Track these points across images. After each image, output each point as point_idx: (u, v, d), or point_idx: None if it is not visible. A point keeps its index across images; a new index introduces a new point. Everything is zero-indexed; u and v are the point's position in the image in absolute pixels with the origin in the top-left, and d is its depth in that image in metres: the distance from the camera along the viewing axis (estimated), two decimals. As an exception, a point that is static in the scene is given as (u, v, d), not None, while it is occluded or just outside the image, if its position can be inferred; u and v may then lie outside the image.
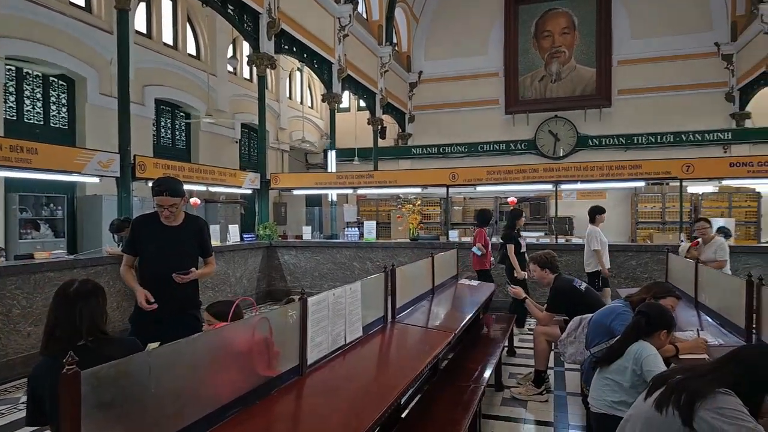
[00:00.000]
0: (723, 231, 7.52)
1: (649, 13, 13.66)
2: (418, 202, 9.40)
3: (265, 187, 9.75)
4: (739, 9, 12.69)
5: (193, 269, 3.51)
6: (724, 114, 12.90)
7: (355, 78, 12.46)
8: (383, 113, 14.04)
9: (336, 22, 11.75)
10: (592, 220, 6.58)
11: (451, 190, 9.34)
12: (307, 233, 9.64)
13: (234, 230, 8.59)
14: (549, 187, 9.01)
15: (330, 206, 11.95)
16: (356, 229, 9.56)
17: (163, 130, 10.71)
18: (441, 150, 14.81)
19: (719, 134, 12.54)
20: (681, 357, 2.89)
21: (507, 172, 8.71)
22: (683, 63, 13.17)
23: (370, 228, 9.09)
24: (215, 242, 7.98)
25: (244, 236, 8.86)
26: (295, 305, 2.57)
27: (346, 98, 15.48)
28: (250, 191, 9.75)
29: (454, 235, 9.04)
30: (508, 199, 11.75)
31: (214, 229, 8.08)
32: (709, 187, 10.21)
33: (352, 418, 2.10)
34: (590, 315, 3.53)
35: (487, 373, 3.86)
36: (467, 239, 9.28)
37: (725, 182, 9.00)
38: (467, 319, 4.08)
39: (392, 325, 3.77)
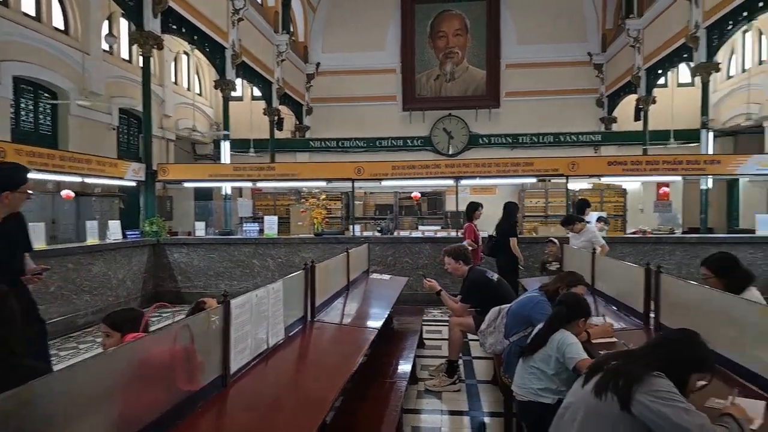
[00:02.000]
0: (603, 219, 8.35)
1: (532, 22, 14.75)
2: (323, 197, 9.19)
3: (151, 178, 8.87)
4: (609, 23, 14.22)
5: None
6: (595, 118, 14.40)
7: (250, 65, 11.84)
8: (280, 104, 13.54)
9: (230, 5, 11.05)
10: (582, 213, 6.94)
11: (354, 184, 9.25)
12: (200, 229, 8.95)
13: (115, 226, 7.69)
14: (448, 182, 9.30)
15: (223, 200, 11.25)
16: (256, 224, 9.08)
17: (23, 113, 9.26)
18: (340, 144, 14.68)
19: (591, 136, 13.97)
20: (593, 341, 3.06)
21: (411, 167, 8.84)
22: (562, 70, 14.44)
23: (271, 223, 8.69)
24: (92, 239, 7.09)
25: (127, 233, 7.98)
26: (217, 310, 2.29)
27: (240, 86, 14.70)
28: (133, 183, 8.80)
29: (357, 230, 8.98)
30: (412, 194, 12.01)
31: (91, 225, 7.19)
32: (584, 184, 11.30)
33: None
34: (508, 305, 3.63)
35: (406, 368, 3.82)
36: (368, 233, 9.28)
37: (597, 180, 9.99)
38: (385, 314, 4.01)
39: (312, 325, 3.57)
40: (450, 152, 14.50)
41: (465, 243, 6.89)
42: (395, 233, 9.18)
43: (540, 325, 2.90)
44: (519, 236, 7.02)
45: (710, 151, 9.66)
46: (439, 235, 9.05)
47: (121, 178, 8.35)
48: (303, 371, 2.82)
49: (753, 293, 2.85)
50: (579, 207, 6.94)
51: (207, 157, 14.55)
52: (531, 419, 2.76)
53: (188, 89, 13.85)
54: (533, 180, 9.17)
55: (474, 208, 7.08)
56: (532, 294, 3.49)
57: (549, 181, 10.81)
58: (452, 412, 3.95)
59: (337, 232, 9.19)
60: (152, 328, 2.37)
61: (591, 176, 9.02)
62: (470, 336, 4.68)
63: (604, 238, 7.68)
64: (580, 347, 2.68)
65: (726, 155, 9.57)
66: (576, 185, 11.18)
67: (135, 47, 10.49)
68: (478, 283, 4.40)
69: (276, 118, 13.27)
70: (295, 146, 14.97)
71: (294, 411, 2.10)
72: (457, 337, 4.42)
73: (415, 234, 9.12)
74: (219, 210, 12.02)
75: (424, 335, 5.91)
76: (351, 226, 9.09)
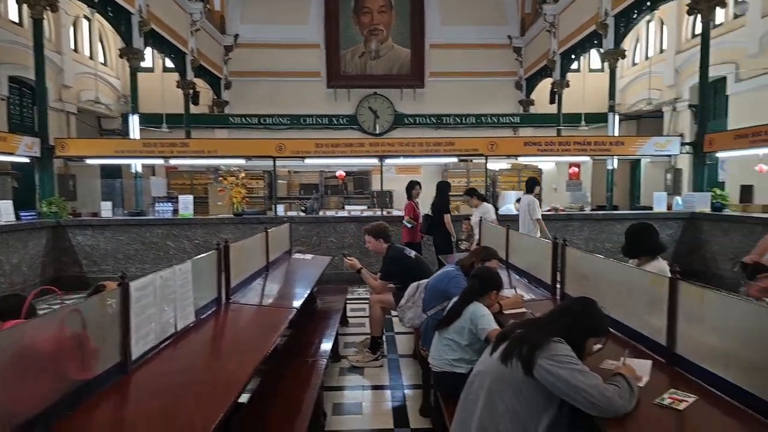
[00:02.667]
0: (520, 200, 8.75)
1: (456, 3, 14.87)
2: (242, 175, 8.83)
3: (48, 154, 8.09)
4: (528, 7, 14.67)
5: None
6: (515, 100, 14.92)
7: (160, 34, 11.01)
8: (195, 76, 12.76)
9: (136, -34, 10.17)
10: (530, 191, 7.00)
11: (277, 162, 8.98)
12: (106, 210, 8.32)
13: (6, 207, 6.96)
14: (373, 161, 9.29)
15: (134, 179, 10.52)
16: (169, 204, 8.59)
17: None
18: (262, 120, 14.15)
19: (510, 118, 14.48)
20: (504, 312, 3.18)
21: (335, 145, 8.71)
22: (483, 52, 14.75)
23: (186, 203, 8.25)
24: (-21, 222, 6.38)
25: (22, 214, 7.25)
26: (113, 293, 2.12)
27: (150, 57, 13.69)
28: (27, 159, 7.98)
29: (280, 210, 8.76)
30: (337, 173, 11.88)
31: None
32: (503, 164, 11.74)
33: (196, 416, 1.80)
34: (426, 280, 3.70)
35: (328, 346, 3.80)
36: (292, 213, 9.10)
37: (514, 160, 10.42)
38: (305, 293, 3.94)
39: (227, 307, 3.44)
40: (377, 131, 14.47)
41: (404, 221, 6.98)
42: (320, 213, 9.07)
43: (455, 299, 2.98)
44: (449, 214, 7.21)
45: (616, 133, 10.34)
46: (365, 214, 9.04)
47: (11, 154, 7.52)
48: (215, 354, 2.71)
49: (660, 263, 3.09)
50: (528, 185, 7.20)
51: (114, 132, 13.51)
52: (446, 389, 2.83)
53: (91, 58, 12.70)
54: (455, 160, 9.37)
55: (412, 186, 7.21)
56: (449, 269, 3.57)
57: (470, 161, 11.11)
58: (374, 387, 4.00)
59: (258, 212, 8.91)
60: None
61: (509, 156, 9.37)
62: (393, 312, 4.74)
63: (515, 214, 8.09)
64: (491, 318, 2.77)
65: (629, 137, 10.29)
66: (495, 165, 11.59)
67: (25, 8, 9.40)
68: (396, 260, 4.44)
69: (191, 91, 12.50)
70: (213, 122, 14.25)
71: (203, 395, 2.00)
72: (378, 314, 4.45)
73: (340, 213, 9.07)
74: (129, 189, 11.24)
75: (348, 313, 5.93)
76: (274, 206, 8.84)
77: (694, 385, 2.00)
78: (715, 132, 8.94)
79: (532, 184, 7.08)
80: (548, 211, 9.29)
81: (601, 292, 2.54)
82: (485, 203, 6.94)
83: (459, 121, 14.35)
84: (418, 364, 4.13)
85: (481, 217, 6.75)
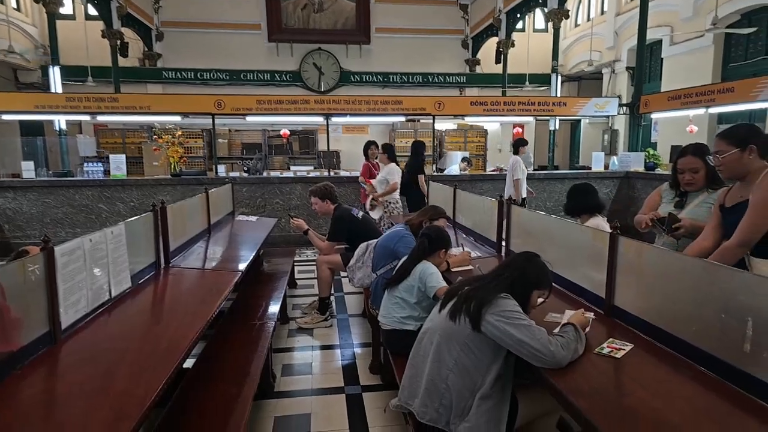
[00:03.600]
0: (466, 160, 8.86)
1: (402, -45, 14.41)
2: (179, 133, 8.35)
3: (-43, 109, 7.31)
4: (474, -37, 14.45)
5: None
6: (461, 59, 14.84)
7: (82, -24, 10.04)
8: (122, 26, 11.77)
9: None
10: (516, 152, 7.13)
11: (216, 120, 8.55)
12: (28, 170, 7.69)
13: None
14: (319, 119, 9.04)
15: (58, 137, 9.73)
16: (99, 164, 8.04)
17: None
18: (199, 75, 13.36)
19: (457, 77, 14.43)
20: (452, 270, 3.22)
21: (278, 102, 8.37)
22: (430, 8, 14.42)
23: (118, 162, 7.75)
24: None
25: (-71, 176, 6.58)
26: (35, 258, 1.94)
27: (70, 2, 12.49)
28: (-69, 114, 7.18)
29: (221, 170, 8.42)
30: (281, 132, 11.49)
31: None
32: (450, 124, 11.77)
33: (134, 385, 1.71)
34: (375, 240, 3.67)
35: (275, 308, 3.74)
36: (235, 174, 8.77)
37: (463, 120, 10.45)
38: (251, 256, 3.83)
39: (167, 271, 3.28)
40: (322, 89, 14.05)
41: (360, 181, 6.86)
42: (264, 173, 8.79)
43: (404, 258, 2.97)
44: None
45: (558, 94, 10.56)
46: (311, 175, 8.86)
47: None
48: (155, 320, 2.58)
49: (598, 220, 3.19)
50: (515, 145, 7.33)
51: (33, 86, 12.38)
52: (395, 346, 2.86)
53: (1, 2, 11.42)
54: (403, 119, 9.28)
55: (369, 147, 7.08)
56: (398, 228, 3.56)
57: (418, 120, 11.05)
58: (324, 347, 4.00)
59: (198, 172, 8.52)
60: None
61: (456, 116, 9.38)
62: (342, 273, 4.72)
63: (462, 174, 8.19)
64: (439, 276, 2.80)
65: (571, 98, 10.54)
66: (443, 125, 11.60)
67: None
68: (344, 220, 4.38)
69: (118, 42, 11.54)
70: (145, 76, 13.31)
71: (141, 362, 1.90)
72: (325, 275, 4.41)
73: (286, 174, 8.83)
74: (53, 148, 10.41)
75: (296, 275, 5.86)
76: (214, 166, 8.48)
77: (630, 334, 2.10)
78: (650, 94, 9.30)
79: (519, 144, 7.23)
80: (493, 171, 9.47)
81: (545, 248, 2.59)
82: (393, 164, 6.57)
83: (406, 79, 14.16)
84: (367, 323, 4.16)
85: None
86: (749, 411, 1.50)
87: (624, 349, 1.94)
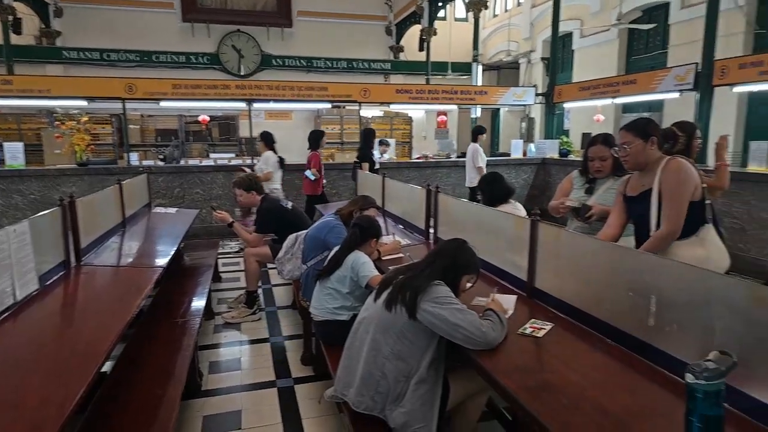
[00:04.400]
0: (385, 143, 8.80)
1: (323, -62, 14.10)
2: (85, 119, 7.70)
3: None
4: (397, -51, 14.45)
5: None
6: (386, 46, 14.85)
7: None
8: (15, 0, 10.63)
9: None
10: (474, 139, 7.17)
11: (127, 105, 7.98)
12: None
13: None
14: (240, 105, 8.71)
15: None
16: (-8, 152, 7.27)
17: None
18: (106, 56, 12.34)
19: (382, 64, 14.44)
20: (383, 259, 3.25)
21: (195, 86, 7.95)
22: (354, -7, 14.34)
23: (14, 151, 7.04)
24: None
25: None
26: None
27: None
28: None
29: (134, 159, 7.90)
30: (199, 117, 10.94)
31: None
32: (376, 111, 11.79)
33: (50, 394, 1.58)
34: (305, 232, 3.62)
35: (200, 304, 3.59)
36: (149, 162, 8.27)
37: (387, 108, 10.51)
38: (171, 250, 3.64)
39: (78, 270, 3.04)
40: (242, 73, 13.52)
41: (308, 172, 6.63)
42: (182, 161, 8.36)
43: (336, 248, 2.96)
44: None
45: (479, 83, 10.89)
46: (233, 162, 8.54)
47: None
48: (68, 323, 2.39)
49: (515, 205, 3.34)
50: (474, 133, 7.41)
51: None
52: (328, 337, 2.85)
53: None
54: (328, 106, 9.17)
55: (319, 136, 6.86)
56: (328, 219, 3.53)
57: (344, 107, 10.96)
58: (252, 341, 3.91)
59: (108, 161, 7.94)
60: None
61: (382, 104, 9.41)
62: (270, 265, 4.61)
63: (388, 161, 8.25)
64: (371, 265, 2.81)
65: (491, 87, 10.91)
66: (369, 112, 11.60)
67: None
68: (272, 211, 4.28)
69: (10, 18, 10.39)
70: (43, 56, 12.10)
71: (57, 369, 1.76)
72: (253, 268, 4.30)
73: (206, 162, 8.45)
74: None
75: (221, 268, 5.66)
76: (126, 155, 7.93)
77: (551, 314, 2.23)
78: (563, 84, 9.85)
79: (477, 132, 7.31)
80: (418, 158, 9.63)
81: (471, 235, 2.69)
82: (269, 152, 6.27)
83: (330, 65, 13.96)
84: (297, 314, 4.11)
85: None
86: (654, 379, 1.65)
87: (545, 329, 2.06)
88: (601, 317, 1.99)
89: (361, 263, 2.78)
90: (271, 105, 9.18)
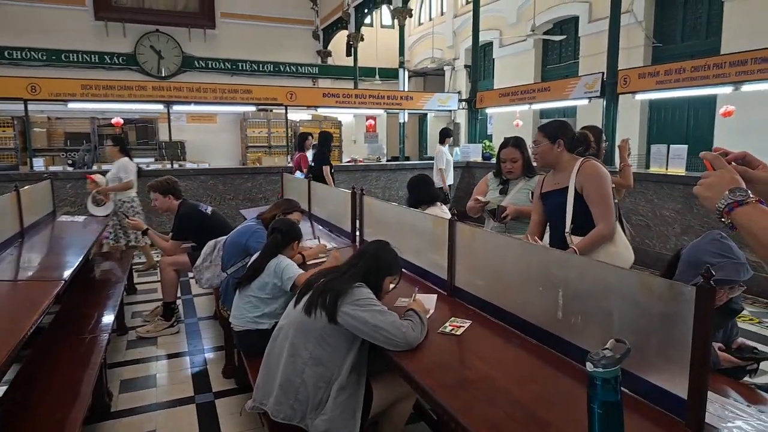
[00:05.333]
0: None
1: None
2: (-21, 121, 7.01)
3: None
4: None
5: None
6: (313, 50, 14.72)
7: None
8: None
9: None
10: (441, 141, 7.31)
11: (31, 107, 7.34)
12: None
13: None
14: (159, 107, 8.28)
15: None
16: None
17: None
18: (7, 54, 11.30)
19: (309, 68, 14.29)
20: (308, 263, 3.19)
21: (108, 87, 7.47)
22: (279, -4, 14.11)
23: None
24: None
25: None
26: None
27: None
28: None
29: (39, 164, 7.28)
30: (113, 120, 10.27)
31: None
32: (304, 115, 11.65)
33: None
34: (224, 237, 3.48)
35: (109, 318, 3.35)
36: (57, 168, 7.66)
37: (317, 111, 10.43)
38: (77, 261, 3.36)
39: (-37, 286, 2.72)
40: (162, 74, 12.88)
41: (298, 174, 6.60)
42: (94, 166, 7.82)
43: (256, 254, 2.86)
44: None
45: (406, 88, 11.09)
46: (151, 167, 8.10)
47: None
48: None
49: (441, 208, 3.39)
50: (440, 136, 7.51)
51: None
52: (249, 347, 2.75)
53: None
54: (254, 109, 8.95)
55: (305, 138, 6.91)
56: (249, 223, 3.41)
57: (271, 110, 10.75)
58: (170, 356, 3.71)
59: (7, 166, 7.27)
60: None
61: (309, 107, 9.31)
62: (190, 274, 4.39)
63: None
64: (295, 267, 2.75)
65: (417, 93, 11.14)
66: (297, 116, 11.44)
67: None
68: (190, 217, 4.08)
69: None
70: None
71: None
72: (170, 278, 4.07)
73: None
74: None
75: (136, 280, 5.33)
76: (29, 159, 7.29)
77: (469, 311, 2.28)
78: (485, 91, 10.23)
79: (443, 134, 7.40)
80: (348, 162, 9.63)
81: (395, 236, 2.70)
82: (125, 158, 5.70)
83: (256, 68, 13.63)
84: (218, 325, 3.94)
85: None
86: (564, 370, 1.72)
87: (464, 326, 2.10)
88: (515, 312, 2.05)
89: (284, 266, 2.71)
90: (193, 108, 8.82)
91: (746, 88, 5.47)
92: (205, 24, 13.46)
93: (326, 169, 6.77)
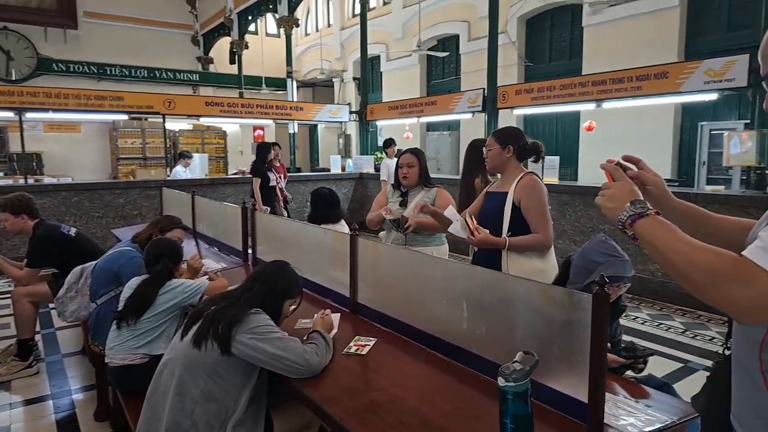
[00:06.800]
0: (185, 155, 8.09)
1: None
2: None
3: None
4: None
5: None
6: (193, 56, 13.90)
7: None
8: None
9: None
10: (386, 153, 7.19)
11: None
12: None
13: None
14: (9, 115, 7.22)
15: None
16: None
17: None
18: None
19: (189, 75, 13.44)
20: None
21: (-62, 89, 6.33)
22: (154, -3, 13.12)
23: None
24: None
25: None
26: None
27: None
28: None
29: None
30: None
31: None
32: (185, 124, 10.91)
33: None
34: (93, 263, 3.06)
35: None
36: None
37: (199, 120, 9.83)
38: None
39: None
40: (13, 77, 11.31)
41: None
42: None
43: (137, 284, 2.53)
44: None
45: (295, 98, 10.88)
46: (2, 183, 7.02)
47: None
48: None
49: (341, 224, 3.29)
50: (384, 146, 7.39)
51: None
52: (128, 385, 2.43)
53: None
54: (125, 117, 8.16)
55: (269, 148, 6.49)
56: (122, 247, 3.05)
57: (145, 119, 9.93)
58: (29, 401, 3.19)
59: None
60: None
61: (190, 116, 8.74)
62: (51, 305, 3.82)
63: (202, 178, 7.68)
64: (192, 281, 2.51)
65: (307, 103, 11.00)
66: (176, 125, 10.70)
67: None
68: (49, 240, 3.54)
69: None
70: None
71: None
72: (26, 311, 3.50)
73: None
74: None
75: (-17, 315, 4.55)
76: None
77: (374, 328, 2.21)
78: (375, 103, 10.40)
79: (386, 145, 7.20)
80: (235, 174, 9.18)
81: (293, 254, 2.56)
82: None
83: (127, 73, 12.53)
84: (88, 361, 3.46)
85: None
86: (471, 383, 1.72)
87: (369, 345, 2.02)
88: (420, 327, 2.02)
89: (177, 285, 2.46)
90: (51, 115, 7.81)
91: (606, 105, 6.15)
92: (64, 23, 12.11)
93: (255, 182, 6.35)
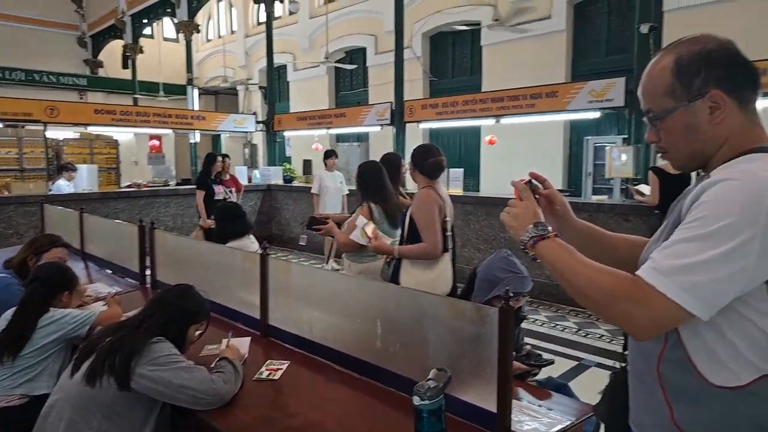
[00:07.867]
0: (68, 168, 7.35)
1: None
2: None
3: None
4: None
5: None
6: (79, 59, 12.76)
7: None
8: None
9: None
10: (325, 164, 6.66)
11: None
12: None
13: None
14: None
15: None
16: None
17: None
18: None
19: (75, 79, 12.31)
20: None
21: None
22: (31, -7, 11.88)
23: None
24: None
25: None
26: None
27: None
28: None
29: None
30: None
31: None
32: (70, 133, 9.95)
33: None
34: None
35: None
36: None
37: (86, 129, 9.04)
38: None
39: None
40: None
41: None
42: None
43: (9, 313, 2.25)
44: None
45: (196, 107, 10.39)
46: None
47: None
48: None
49: (250, 239, 3.17)
50: (325, 155, 6.84)
51: None
52: (4, 430, 2.14)
53: None
54: (-1, 125, 7.30)
55: (214, 160, 6.07)
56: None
57: (22, 127, 8.92)
58: None
59: None
60: None
61: (77, 125, 8.01)
62: None
63: (90, 192, 7.08)
64: (80, 311, 2.28)
65: (210, 112, 10.54)
66: (60, 134, 9.74)
67: None
68: None
69: None
70: None
71: None
72: None
73: None
74: None
75: None
76: None
77: (287, 351, 2.15)
78: (282, 113, 10.23)
79: (326, 156, 6.75)
80: (129, 186, 8.55)
81: (198, 276, 2.43)
82: None
83: (2, 75, 11.24)
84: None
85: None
86: (386, 401, 1.73)
87: (281, 368, 1.96)
88: (334, 347, 2.00)
89: (63, 315, 2.22)
90: None
91: (504, 120, 6.55)
92: None
93: (199, 194, 5.90)
